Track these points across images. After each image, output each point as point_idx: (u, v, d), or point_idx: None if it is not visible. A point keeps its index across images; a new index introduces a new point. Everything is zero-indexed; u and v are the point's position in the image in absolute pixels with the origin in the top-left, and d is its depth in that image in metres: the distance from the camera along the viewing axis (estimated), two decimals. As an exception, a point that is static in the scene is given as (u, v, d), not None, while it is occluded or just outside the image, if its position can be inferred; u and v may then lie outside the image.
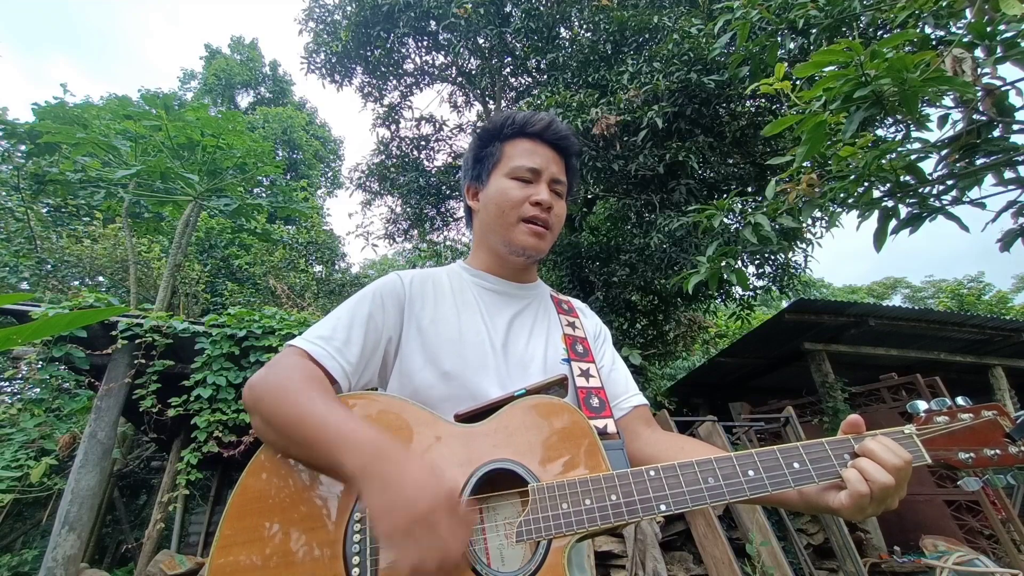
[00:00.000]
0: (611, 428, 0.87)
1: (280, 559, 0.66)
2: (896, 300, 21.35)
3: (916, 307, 9.48)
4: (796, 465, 0.70)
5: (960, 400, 0.75)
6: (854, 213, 2.46)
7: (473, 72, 8.11)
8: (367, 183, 9.20)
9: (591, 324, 1.08)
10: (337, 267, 12.43)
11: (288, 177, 16.47)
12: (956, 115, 2.14)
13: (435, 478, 0.61)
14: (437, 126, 8.93)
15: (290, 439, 0.71)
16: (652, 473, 0.71)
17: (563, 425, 0.77)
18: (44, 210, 8.02)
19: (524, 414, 0.78)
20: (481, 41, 7.45)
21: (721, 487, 0.69)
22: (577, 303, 1.11)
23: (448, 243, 10.01)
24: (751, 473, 0.70)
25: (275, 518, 0.69)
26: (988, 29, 1.82)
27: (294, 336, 3.84)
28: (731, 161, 5.98)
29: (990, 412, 0.72)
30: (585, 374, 0.94)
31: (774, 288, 7.00)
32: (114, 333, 3.76)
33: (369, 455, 0.63)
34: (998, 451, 0.70)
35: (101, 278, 8.63)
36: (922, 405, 0.77)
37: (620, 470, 0.73)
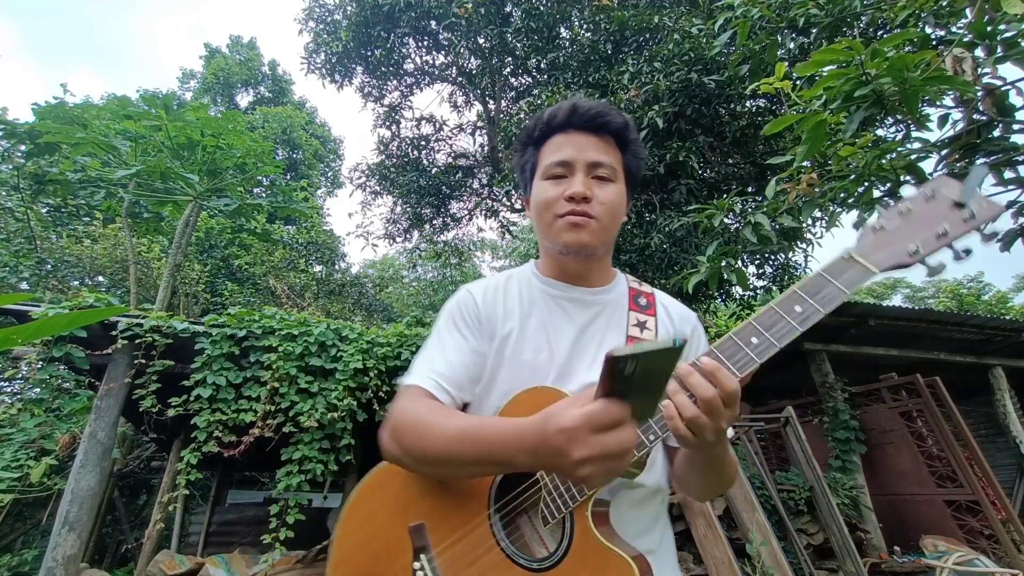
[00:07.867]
0: None
1: (368, 570, 0.82)
2: (896, 300, 21.31)
3: (916, 307, 9.47)
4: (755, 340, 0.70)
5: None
6: (854, 213, 2.46)
7: (473, 72, 8.11)
8: (367, 183, 9.22)
9: (670, 321, 1.00)
10: (337, 267, 12.42)
11: (288, 177, 16.45)
12: (956, 115, 2.14)
13: (548, 436, 0.62)
14: (437, 126, 8.95)
15: (442, 463, 0.77)
16: None
17: None
18: (44, 210, 8.01)
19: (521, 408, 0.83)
20: (481, 41, 7.45)
21: None
22: (661, 296, 1.02)
23: (455, 242, 10.00)
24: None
25: (372, 535, 0.85)
26: (988, 29, 1.81)
27: (294, 336, 3.79)
28: (731, 161, 5.98)
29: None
30: None
31: (774, 288, 7.01)
32: (114, 333, 3.76)
33: (527, 450, 0.66)
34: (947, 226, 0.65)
35: (101, 278, 8.63)
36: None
37: None
